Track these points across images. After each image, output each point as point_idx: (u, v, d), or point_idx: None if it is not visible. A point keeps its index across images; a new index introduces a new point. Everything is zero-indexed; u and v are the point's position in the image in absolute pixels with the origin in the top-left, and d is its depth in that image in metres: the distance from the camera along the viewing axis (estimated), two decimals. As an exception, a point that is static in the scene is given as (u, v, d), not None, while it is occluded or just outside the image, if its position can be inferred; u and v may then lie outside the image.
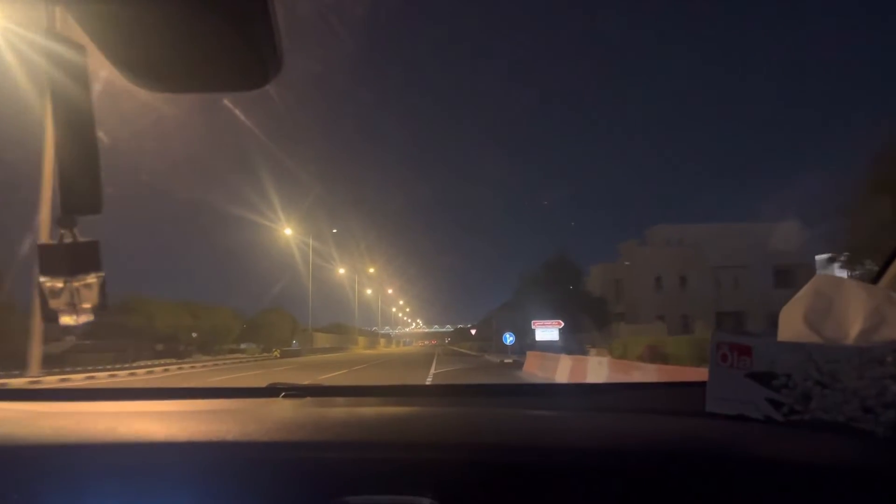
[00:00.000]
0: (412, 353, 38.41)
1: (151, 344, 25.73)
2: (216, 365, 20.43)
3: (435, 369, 15.88)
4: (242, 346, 34.83)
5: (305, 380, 1.19)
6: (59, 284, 0.59)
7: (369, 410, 0.99)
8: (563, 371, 12.51)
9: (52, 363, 16.70)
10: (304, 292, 37.78)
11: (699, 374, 2.98)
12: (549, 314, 26.25)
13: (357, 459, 0.68)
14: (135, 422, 0.80)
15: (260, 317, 36.96)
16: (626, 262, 32.69)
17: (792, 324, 0.82)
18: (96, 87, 0.57)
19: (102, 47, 0.50)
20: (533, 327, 26.01)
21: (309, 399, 1.10)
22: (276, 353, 31.51)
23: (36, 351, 11.56)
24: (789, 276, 26.89)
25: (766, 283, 29.07)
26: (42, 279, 0.59)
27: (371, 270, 65.24)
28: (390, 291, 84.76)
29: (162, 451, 0.71)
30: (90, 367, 16.16)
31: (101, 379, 12.94)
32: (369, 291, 67.08)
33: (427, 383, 3.41)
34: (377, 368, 17.78)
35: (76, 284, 0.59)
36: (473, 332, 54.50)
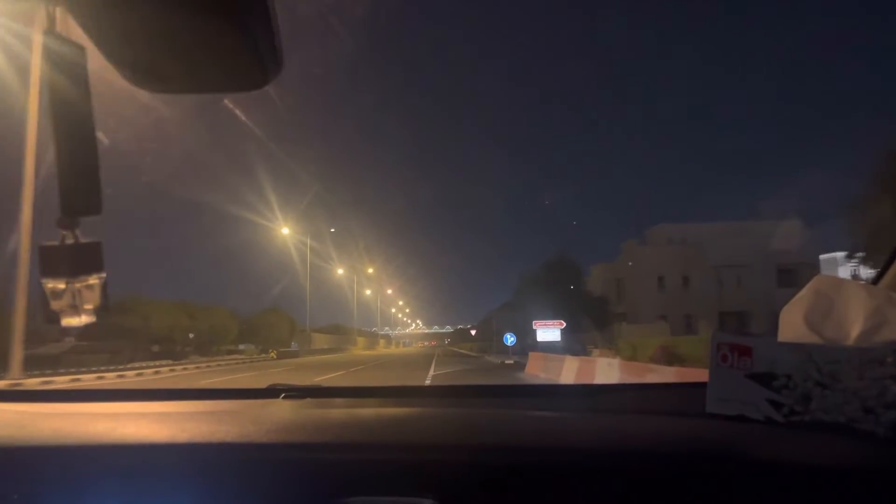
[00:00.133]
0: (411, 354, 38.34)
1: (148, 345, 25.42)
2: (209, 367, 20.06)
3: (434, 371, 15.77)
4: (241, 347, 34.46)
5: (300, 382, 1.19)
6: (61, 286, 0.59)
7: (369, 411, 0.99)
8: (568, 373, 11.66)
9: (50, 364, 16.67)
10: (302, 293, 37.81)
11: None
12: (550, 314, 26.02)
13: (357, 460, 0.68)
14: (135, 423, 0.80)
15: (258, 317, 36.58)
16: (629, 262, 32.56)
17: (792, 324, 0.82)
18: (96, 88, 0.57)
19: (102, 47, 0.50)
20: (534, 327, 25.62)
21: (309, 400, 1.10)
22: (272, 354, 30.99)
23: (17, 353, 11.20)
24: (792, 275, 26.65)
25: (770, 282, 28.86)
26: (44, 280, 0.59)
27: (370, 271, 65.19)
28: (389, 292, 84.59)
29: (162, 451, 0.71)
30: (83, 369, 15.99)
31: (88, 381, 12.64)
32: (368, 292, 67.03)
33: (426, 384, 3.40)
34: (375, 370, 17.69)
35: (78, 286, 0.59)
36: (473, 332, 53.95)
